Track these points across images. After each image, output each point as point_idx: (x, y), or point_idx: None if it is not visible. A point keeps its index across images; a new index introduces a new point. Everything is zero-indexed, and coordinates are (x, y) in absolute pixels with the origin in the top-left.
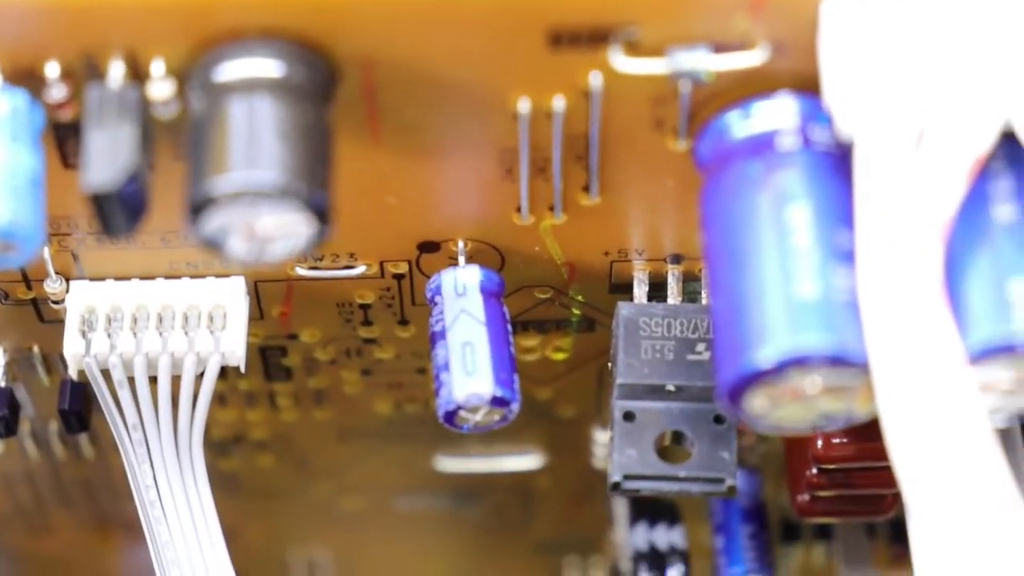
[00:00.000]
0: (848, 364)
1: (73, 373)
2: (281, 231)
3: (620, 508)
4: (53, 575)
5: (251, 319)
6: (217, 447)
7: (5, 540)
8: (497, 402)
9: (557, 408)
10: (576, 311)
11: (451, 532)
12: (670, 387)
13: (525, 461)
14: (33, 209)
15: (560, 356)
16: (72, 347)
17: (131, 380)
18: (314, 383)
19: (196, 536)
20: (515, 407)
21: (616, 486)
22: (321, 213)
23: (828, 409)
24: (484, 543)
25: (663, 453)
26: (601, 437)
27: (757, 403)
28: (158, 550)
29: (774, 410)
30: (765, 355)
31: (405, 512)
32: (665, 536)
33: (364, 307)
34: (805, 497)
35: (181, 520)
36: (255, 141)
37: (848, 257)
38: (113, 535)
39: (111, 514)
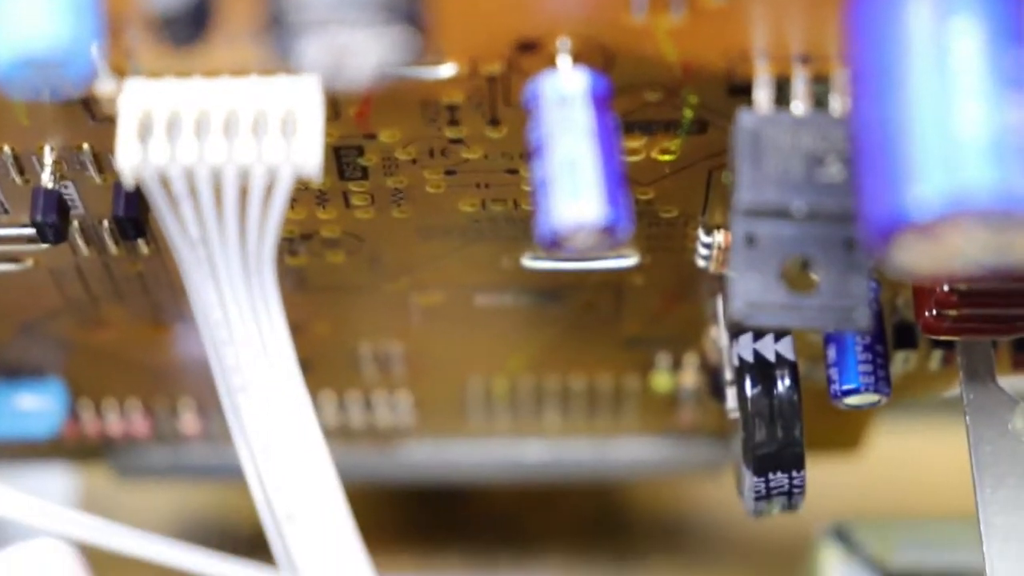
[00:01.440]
0: (1015, 213)
1: (128, 183)
2: (368, 45)
3: (720, 307)
4: (106, 365)
5: (326, 119)
6: (284, 244)
7: (56, 331)
8: (607, 228)
9: (658, 209)
10: (688, 112)
11: (534, 326)
12: (798, 207)
13: (620, 260)
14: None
15: (666, 158)
16: (127, 155)
17: (193, 191)
18: (392, 183)
19: (267, 359)
20: (626, 228)
21: (736, 325)
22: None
23: (983, 258)
24: (569, 337)
25: (789, 281)
26: (705, 238)
27: (901, 250)
28: (225, 374)
29: (920, 257)
30: (914, 199)
31: (485, 308)
32: (771, 346)
33: (451, 108)
34: (932, 313)
35: (251, 344)
36: None
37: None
38: (169, 328)
39: (167, 308)
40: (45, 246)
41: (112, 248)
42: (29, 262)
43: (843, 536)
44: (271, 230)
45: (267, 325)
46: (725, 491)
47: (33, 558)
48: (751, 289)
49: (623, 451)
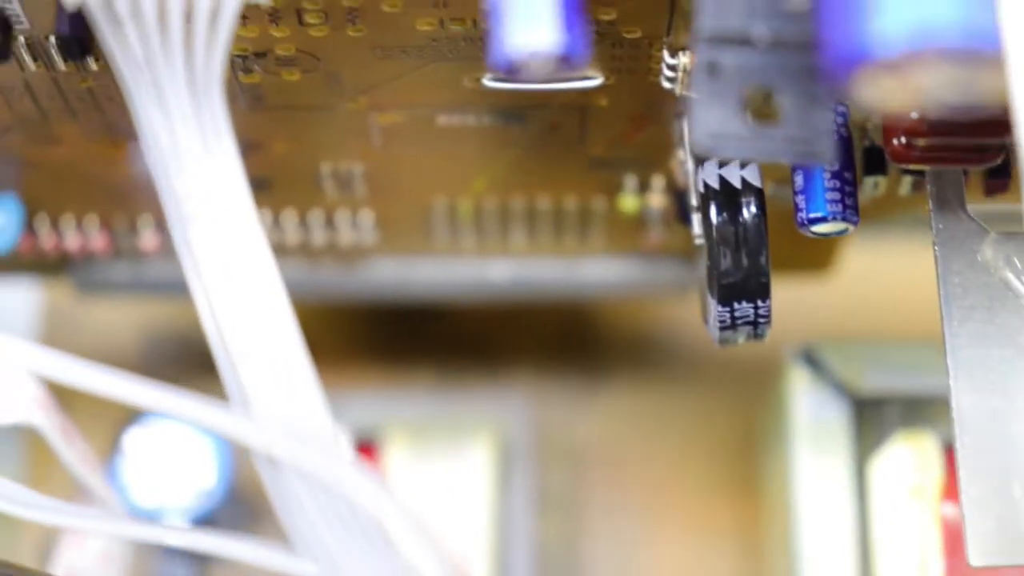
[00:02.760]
0: (981, 49)
1: (70, 4)
2: None
3: (686, 131)
4: (62, 182)
5: None
6: (237, 62)
7: (8, 147)
8: (562, 57)
9: (621, 29)
10: None
11: (498, 147)
12: (761, 34)
13: (582, 82)
14: None
15: None
16: None
17: (136, 11)
18: (347, 1)
19: (218, 186)
20: (581, 56)
21: (698, 154)
22: None
23: (947, 95)
24: (534, 158)
25: (752, 111)
26: (670, 60)
27: (864, 85)
28: (176, 203)
29: (883, 93)
30: (878, 33)
31: (447, 128)
32: (737, 172)
33: None
34: (901, 141)
35: (201, 171)
36: None
37: None
38: (124, 146)
39: (121, 125)
40: None
41: (60, 64)
42: None
43: (811, 359)
44: (219, 50)
45: (217, 149)
46: (693, 313)
47: None
48: (713, 119)
49: (590, 271)
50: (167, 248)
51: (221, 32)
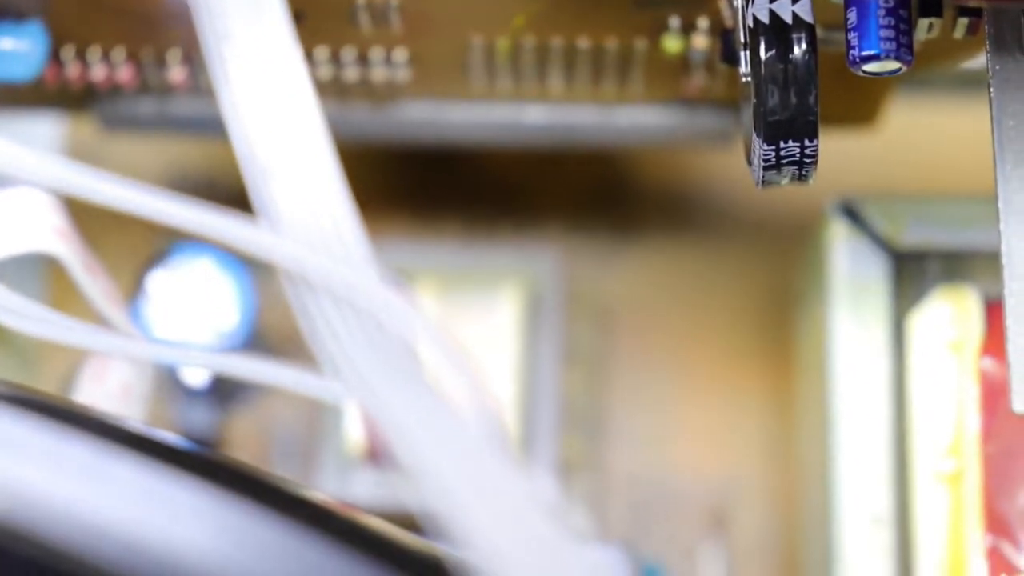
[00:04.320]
0: None
1: None
2: None
3: None
4: (90, 10)
5: None
6: None
7: None
8: None
9: None
10: None
11: None
12: None
13: None
14: None
15: None
16: None
17: None
18: None
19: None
20: None
21: None
22: None
23: None
24: None
25: None
26: None
27: None
28: (211, 19)
29: None
30: None
31: None
32: (788, 7)
33: None
34: None
35: None
36: None
37: None
38: None
39: None
40: None
41: None
42: None
43: (851, 212)
44: None
45: None
46: (732, 163)
47: (12, 207)
48: None
49: (628, 117)
50: (196, 83)
51: None
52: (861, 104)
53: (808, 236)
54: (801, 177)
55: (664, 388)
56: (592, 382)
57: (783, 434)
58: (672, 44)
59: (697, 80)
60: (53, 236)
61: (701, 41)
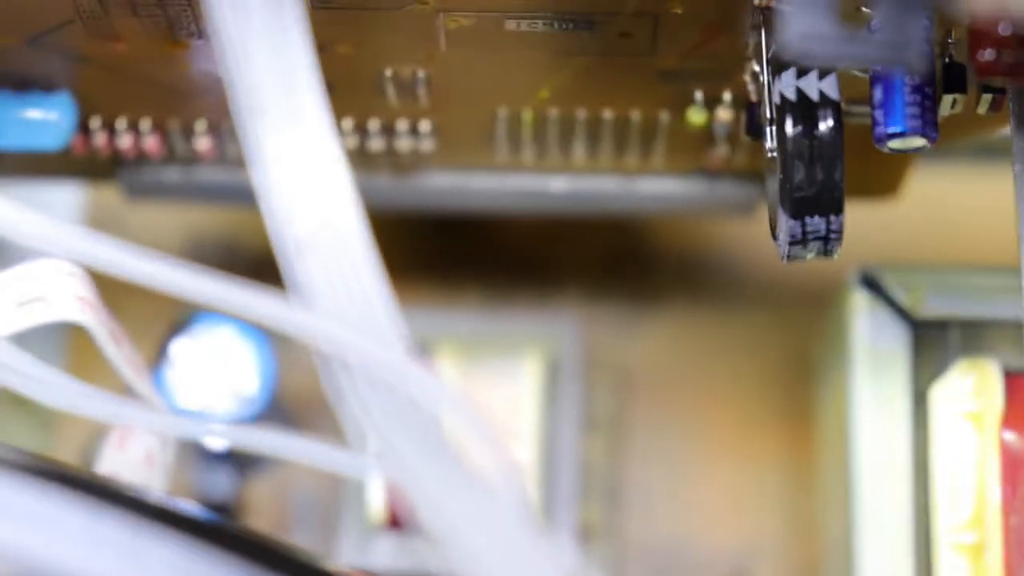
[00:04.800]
0: None
1: None
2: None
3: (762, 43)
4: (119, 81)
5: None
6: None
7: (66, 42)
8: None
9: None
10: None
11: (565, 54)
12: None
13: None
14: None
15: None
16: None
17: None
18: None
19: (290, 78)
20: None
21: (780, 60)
22: None
23: None
24: (602, 68)
25: (843, 16)
26: None
27: None
28: (244, 93)
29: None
30: None
31: (515, 33)
32: (815, 84)
33: None
34: (988, 55)
35: (273, 62)
36: None
37: None
38: (185, 44)
39: (183, 22)
40: None
41: None
42: None
43: (871, 281)
44: None
45: (291, 41)
46: (749, 232)
47: (39, 277)
48: (805, 21)
49: (650, 186)
50: (220, 153)
51: None
52: (883, 176)
53: (827, 305)
54: (827, 252)
55: (683, 454)
56: (611, 448)
57: (803, 501)
58: (696, 117)
59: (719, 152)
60: (80, 306)
61: (725, 114)
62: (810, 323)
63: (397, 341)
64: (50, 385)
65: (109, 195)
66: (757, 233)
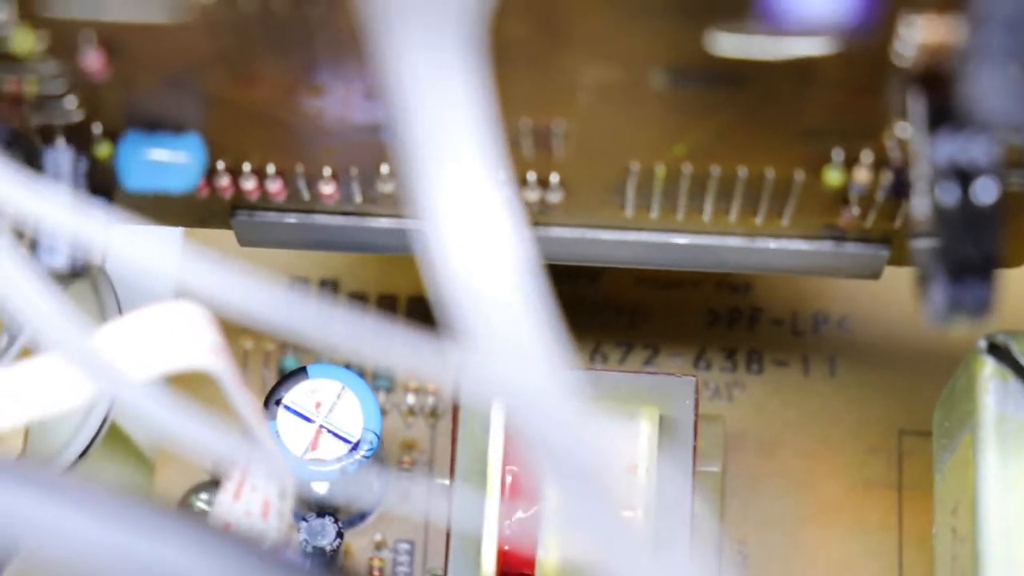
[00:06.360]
0: None
1: None
2: None
3: (917, 107)
4: (249, 125)
5: None
6: None
7: (203, 84)
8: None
9: None
10: None
11: (709, 110)
12: None
13: (813, 44)
14: None
15: None
16: None
17: None
18: None
19: (463, 133)
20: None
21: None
22: None
23: None
24: (743, 123)
25: None
26: (909, 32)
27: None
28: (416, 142)
29: None
30: None
31: (660, 87)
32: (972, 149)
33: None
34: None
35: (449, 115)
36: None
37: None
38: (323, 90)
39: (327, 65)
40: None
41: None
42: (192, 9)
43: (999, 349)
44: None
45: (469, 93)
46: (867, 294)
47: (171, 321)
48: (997, 82)
49: (775, 245)
50: (345, 199)
51: None
52: (1017, 244)
53: (951, 371)
54: (978, 317)
55: (794, 517)
56: (720, 507)
57: (916, 569)
58: (834, 177)
59: (851, 212)
60: (210, 352)
61: (863, 175)
62: (933, 389)
63: (569, 395)
64: (184, 418)
65: (222, 240)
66: (875, 294)
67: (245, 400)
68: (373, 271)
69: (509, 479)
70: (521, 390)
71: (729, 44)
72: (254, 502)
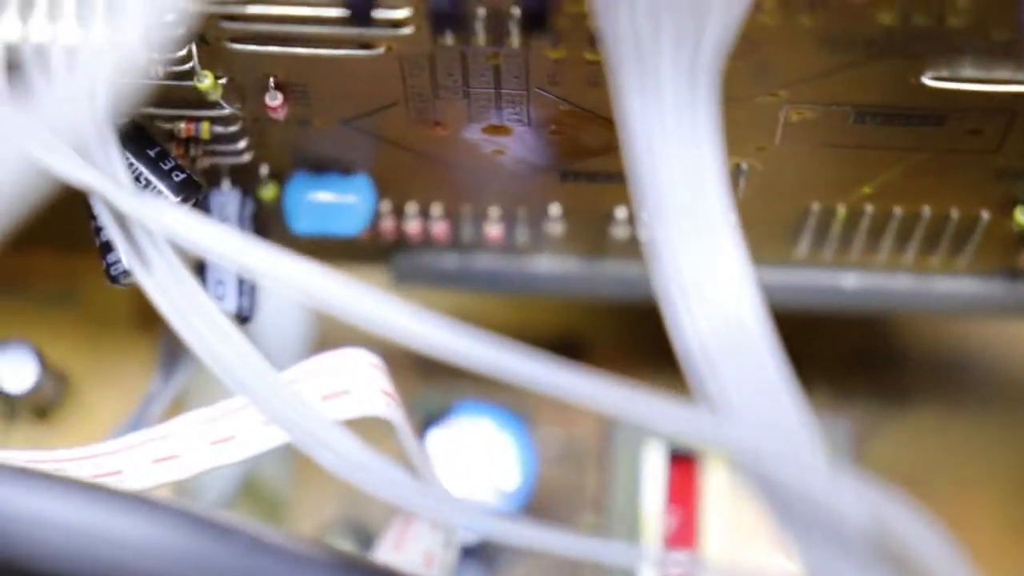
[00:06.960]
0: None
1: None
2: None
3: None
4: (419, 166)
5: None
6: None
7: (383, 126)
8: None
9: None
10: None
11: (904, 150)
12: None
13: None
14: None
15: None
16: None
17: None
18: None
19: (703, 181)
20: None
21: None
22: None
23: None
24: (938, 163)
25: None
26: None
27: None
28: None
29: None
30: None
31: (857, 126)
32: None
33: None
34: None
35: (689, 164)
36: None
37: None
38: (508, 129)
39: (513, 107)
40: (409, 32)
41: (480, 38)
42: (381, 49)
43: None
44: (717, 34)
45: (706, 142)
46: (1010, 331)
47: (344, 369)
48: None
49: (946, 285)
50: (510, 240)
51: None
52: None
53: None
54: None
55: None
56: None
57: None
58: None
59: None
60: (385, 400)
61: None
62: None
63: (817, 454)
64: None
65: (377, 279)
66: (1018, 331)
67: (418, 449)
68: (508, 312)
69: (670, 523)
70: (773, 449)
71: (942, 84)
72: (416, 552)
